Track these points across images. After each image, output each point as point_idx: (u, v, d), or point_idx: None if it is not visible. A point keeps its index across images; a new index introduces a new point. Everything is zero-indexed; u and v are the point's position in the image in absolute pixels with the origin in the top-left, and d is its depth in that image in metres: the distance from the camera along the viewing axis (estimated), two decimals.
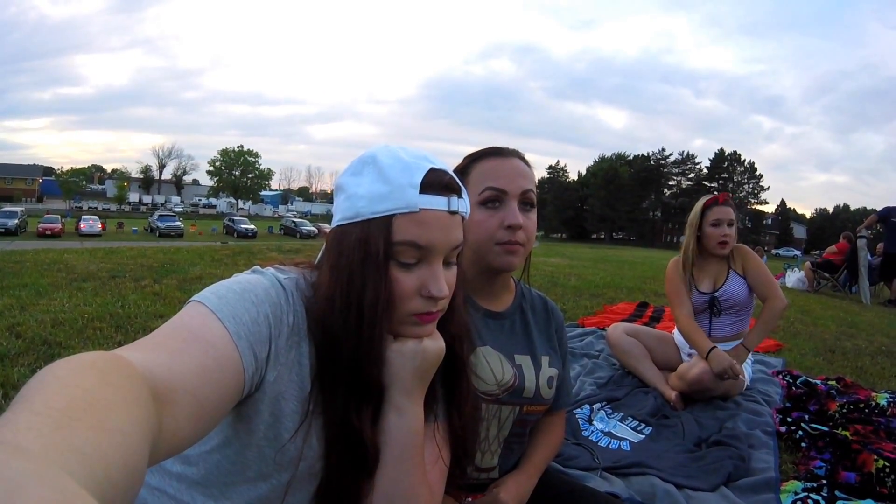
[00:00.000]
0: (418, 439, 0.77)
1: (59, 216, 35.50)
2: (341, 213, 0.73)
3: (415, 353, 0.74)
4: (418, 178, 0.70)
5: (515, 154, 1.13)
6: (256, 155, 70.65)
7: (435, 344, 0.76)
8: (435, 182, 0.71)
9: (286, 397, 0.71)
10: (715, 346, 2.42)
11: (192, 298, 0.65)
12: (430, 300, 0.72)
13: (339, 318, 0.70)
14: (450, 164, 0.77)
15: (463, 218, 0.76)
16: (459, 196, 0.75)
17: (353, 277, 0.69)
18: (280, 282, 0.71)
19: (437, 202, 0.71)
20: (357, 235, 0.70)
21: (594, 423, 2.27)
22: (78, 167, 73.51)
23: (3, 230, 29.30)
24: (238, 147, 70.49)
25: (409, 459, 0.76)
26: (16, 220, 30.95)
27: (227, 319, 0.62)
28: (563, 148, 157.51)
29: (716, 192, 2.71)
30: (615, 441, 2.11)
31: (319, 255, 0.80)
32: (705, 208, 2.59)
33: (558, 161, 78.30)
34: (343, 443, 0.73)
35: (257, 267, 0.75)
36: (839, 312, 6.12)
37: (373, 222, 0.70)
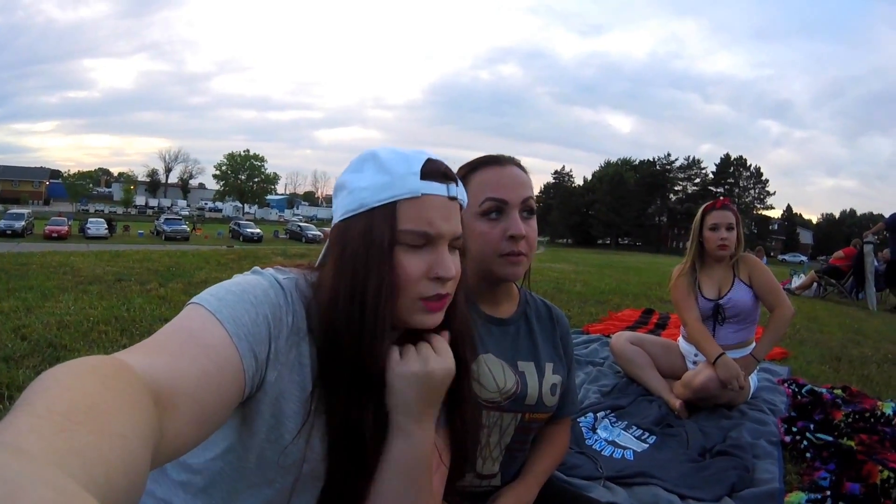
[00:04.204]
0: (425, 462, 0.76)
1: (65, 219, 35.64)
2: (344, 207, 0.74)
3: (419, 379, 0.73)
4: (418, 167, 0.72)
5: (512, 161, 1.12)
6: (263, 159, 70.83)
7: (442, 365, 0.75)
8: (434, 170, 0.74)
9: (287, 397, 0.71)
10: (724, 353, 2.41)
11: (192, 301, 0.65)
12: (437, 282, 0.73)
13: (343, 312, 0.70)
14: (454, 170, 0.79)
15: (461, 207, 0.78)
16: (457, 184, 0.77)
17: (358, 267, 0.70)
18: (279, 282, 0.71)
19: (438, 188, 0.73)
20: (361, 226, 0.71)
21: (598, 431, 2.26)
22: (85, 170, 73.97)
23: (10, 232, 29.41)
24: (244, 151, 70.60)
25: (414, 483, 0.75)
26: (23, 223, 31.08)
27: (226, 321, 0.62)
28: (569, 153, 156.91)
29: (720, 198, 2.72)
30: (619, 450, 2.10)
31: (321, 256, 0.80)
32: (704, 213, 2.64)
33: (564, 166, 78.24)
34: (344, 442, 0.73)
35: (257, 268, 0.75)
36: (845, 319, 6.09)
37: (376, 211, 0.71)
